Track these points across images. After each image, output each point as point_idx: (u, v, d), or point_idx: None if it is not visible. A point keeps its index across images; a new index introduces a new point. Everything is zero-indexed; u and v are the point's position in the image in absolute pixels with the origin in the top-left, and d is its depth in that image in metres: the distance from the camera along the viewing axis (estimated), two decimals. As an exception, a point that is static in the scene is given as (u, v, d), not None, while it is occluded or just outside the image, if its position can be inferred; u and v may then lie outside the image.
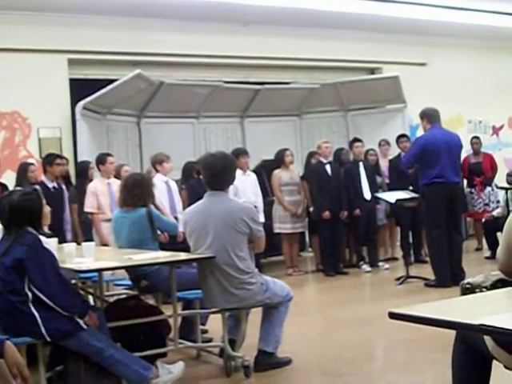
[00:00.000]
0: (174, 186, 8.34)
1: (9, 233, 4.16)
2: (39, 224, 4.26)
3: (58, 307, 4.02)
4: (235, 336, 4.81)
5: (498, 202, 10.57)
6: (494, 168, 10.89)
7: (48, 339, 4.03)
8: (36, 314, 3.98)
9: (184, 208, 7.36)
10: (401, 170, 9.39)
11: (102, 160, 7.94)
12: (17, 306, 3.98)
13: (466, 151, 10.33)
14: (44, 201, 4.38)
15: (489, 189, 10.68)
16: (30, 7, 9.26)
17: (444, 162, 7.59)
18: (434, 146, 7.58)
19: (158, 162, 8.26)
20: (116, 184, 7.07)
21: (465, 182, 10.57)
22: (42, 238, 4.16)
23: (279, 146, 9.65)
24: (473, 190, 10.70)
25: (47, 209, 4.43)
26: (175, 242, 7.04)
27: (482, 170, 10.76)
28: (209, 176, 4.75)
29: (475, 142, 11.01)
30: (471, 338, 2.76)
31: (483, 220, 10.08)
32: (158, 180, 7.81)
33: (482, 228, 10.34)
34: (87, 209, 7.70)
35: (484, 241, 10.18)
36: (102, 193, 7.69)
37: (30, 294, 4.00)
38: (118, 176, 7.87)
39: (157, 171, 8.21)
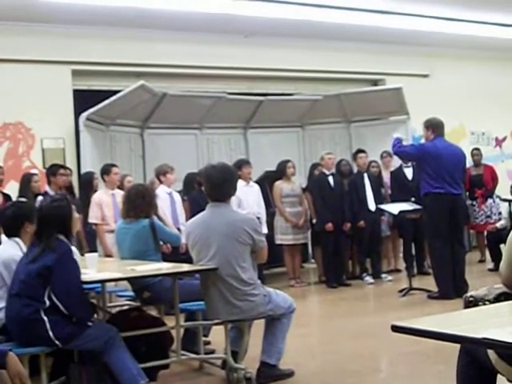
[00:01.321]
0: (178, 198, 8.35)
1: (39, 239, 4.21)
2: (70, 231, 4.33)
3: (73, 316, 4.06)
4: (238, 348, 4.80)
5: (499, 213, 10.55)
6: (494, 180, 10.88)
7: (57, 343, 4.05)
8: (45, 319, 4.02)
9: (186, 219, 7.37)
10: (403, 181, 9.40)
11: (106, 171, 7.94)
12: (29, 313, 4.02)
13: (467, 163, 10.34)
14: (74, 207, 4.44)
15: (490, 201, 10.67)
16: (33, 18, 9.30)
17: (445, 173, 7.57)
18: (436, 157, 7.56)
19: (161, 173, 8.28)
20: (120, 195, 7.06)
21: (466, 194, 10.57)
22: (73, 248, 4.22)
23: (282, 158, 9.66)
24: (474, 203, 10.69)
25: (77, 216, 4.50)
26: (178, 254, 7.05)
27: (482, 182, 10.75)
28: (210, 187, 4.76)
29: (476, 153, 11.01)
30: (475, 351, 2.76)
31: (485, 232, 10.07)
32: (162, 191, 7.81)
33: (484, 240, 10.33)
34: (91, 220, 7.69)
35: (487, 253, 10.16)
36: (106, 204, 7.69)
37: (48, 302, 4.05)
38: (121, 187, 7.88)
39: (160, 182, 8.22)
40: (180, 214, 8.22)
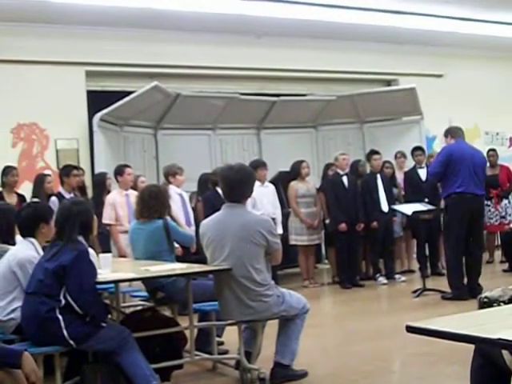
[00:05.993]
0: (187, 198, 8.35)
1: (60, 239, 4.25)
2: (90, 234, 4.40)
3: (87, 316, 4.10)
4: (251, 348, 4.80)
5: (514, 214, 10.50)
6: (510, 180, 10.82)
7: (71, 342, 4.07)
8: (60, 318, 4.04)
9: (199, 220, 7.37)
10: (416, 182, 9.36)
11: (120, 171, 7.95)
12: (45, 311, 4.05)
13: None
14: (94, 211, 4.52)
15: (505, 201, 10.61)
16: (47, 20, 9.35)
17: (468, 173, 7.52)
18: (459, 157, 7.53)
19: (171, 173, 8.25)
20: (134, 195, 7.07)
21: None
22: (90, 250, 4.25)
23: (295, 158, 9.64)
24: (489, 203, 10.63)
25: (95, 220, 4.55)
26: (189, 254, 7.05)
27: (498, 183, 10.69)
28: (227, 188, 4.75)
29: (491, 154, 10.94)
30: (490, 352, 2.74)
31: (499, 233, 10.02)
32: (172, 192, 7.80)
33: (494, 241, 10.27)
34: (105, 220, 7.69)
35: (500, 253, 10.11)
36: (120, 204, 7.70)
37: (63, 301, 4.08)
38: (134, 187, 7.90)
39: (169, 183, 8.18)
40: (191, 215, 8.22)
